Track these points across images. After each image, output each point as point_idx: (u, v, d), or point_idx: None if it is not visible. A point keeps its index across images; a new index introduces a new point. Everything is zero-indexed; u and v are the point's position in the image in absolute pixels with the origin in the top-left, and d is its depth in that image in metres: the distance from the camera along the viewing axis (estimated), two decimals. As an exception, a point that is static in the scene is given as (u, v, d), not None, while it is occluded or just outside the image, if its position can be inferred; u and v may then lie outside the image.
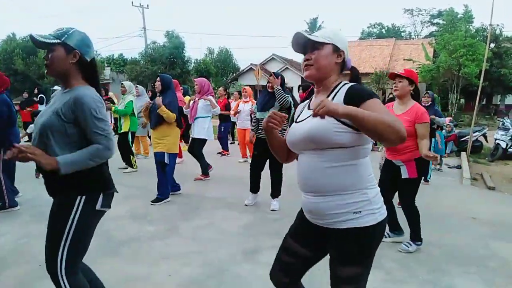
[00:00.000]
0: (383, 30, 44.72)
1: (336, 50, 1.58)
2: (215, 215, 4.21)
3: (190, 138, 6.08)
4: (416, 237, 3.46)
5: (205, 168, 6.05)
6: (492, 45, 19.39)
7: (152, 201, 4.65)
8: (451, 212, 4.64)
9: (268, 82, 4.48)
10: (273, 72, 4.78)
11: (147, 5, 27.41)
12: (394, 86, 3.41)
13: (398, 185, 3.49)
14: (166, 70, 26.75)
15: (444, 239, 3.71)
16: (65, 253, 1.75)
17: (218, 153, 8.56)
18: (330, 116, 1.35)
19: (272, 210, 4.48)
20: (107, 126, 1.79)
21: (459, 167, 7.85)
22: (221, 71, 30.62)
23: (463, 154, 9.10)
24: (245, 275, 2.84)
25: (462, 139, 9.76)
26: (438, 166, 7.42)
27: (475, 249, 3.51)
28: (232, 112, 8.26)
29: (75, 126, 1.74)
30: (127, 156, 6.50)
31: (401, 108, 3.40)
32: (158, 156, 4.67)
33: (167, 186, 4.78)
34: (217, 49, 33.03)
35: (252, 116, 6.92)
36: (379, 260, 3.11)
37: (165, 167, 4.69)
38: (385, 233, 3.50)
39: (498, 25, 20.32)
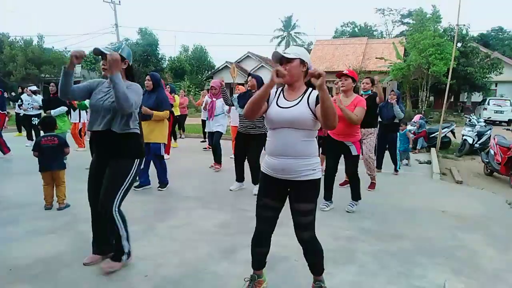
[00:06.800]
0: (356, 29, 45.59)
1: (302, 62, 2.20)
2: (192, 215, 4.18)
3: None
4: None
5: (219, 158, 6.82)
6: (459, 44, 20.07)
7: (159, 187, 5.19)
8: (422, 205, 4.80)
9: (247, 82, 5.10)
10: (250, 73, 5.10)
11: (119, 1, 26.67)
12: (341, 84, 4.29)
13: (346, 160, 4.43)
14: (139, 68, 26.27)
15: (415, 232, 3.84)
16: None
17: (204, 148, 9.34)
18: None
19: (254, 195, 4.69)
20: None
21: (429, 162, 8.12)
22: (196, 69, 30.33)
23: (433, 150, 9.41)
24: (222, 274, 2.84)
25: (432, 135, 10.09)
26: (406, 161, 7.69)
27: (444, 240, 3.65)
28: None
29: None
30: None
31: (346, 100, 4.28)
32: (154, 148, 5.01)
33: (165, 173, 5.27)
34: (192, 46, 32.70)
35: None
36: (352, 254, 3.19)
37: (161, 157, 5.16)
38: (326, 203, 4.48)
39: (464, 25, 21.08)
